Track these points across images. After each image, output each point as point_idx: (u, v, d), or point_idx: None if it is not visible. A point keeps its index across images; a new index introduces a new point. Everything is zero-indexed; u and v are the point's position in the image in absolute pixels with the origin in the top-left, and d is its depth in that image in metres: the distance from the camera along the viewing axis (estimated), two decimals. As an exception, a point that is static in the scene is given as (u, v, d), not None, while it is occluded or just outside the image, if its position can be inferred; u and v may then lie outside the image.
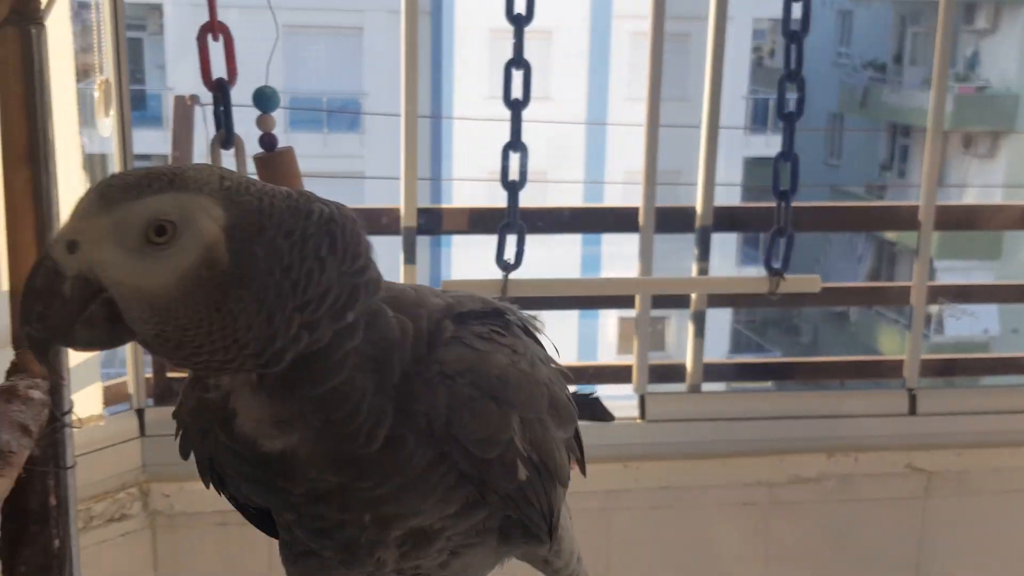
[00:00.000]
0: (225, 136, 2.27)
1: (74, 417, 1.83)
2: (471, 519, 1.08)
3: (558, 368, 1.22)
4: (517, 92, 2.58)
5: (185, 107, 3.12)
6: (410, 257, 2.80)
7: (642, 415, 2.96)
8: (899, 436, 3.09)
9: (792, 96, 2.73)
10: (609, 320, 12.53)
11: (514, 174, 2.68)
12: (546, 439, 1.09)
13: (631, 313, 3.01)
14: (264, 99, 2.29)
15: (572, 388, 1.30)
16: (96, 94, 2.51)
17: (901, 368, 3.13)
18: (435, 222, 2.86)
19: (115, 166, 2.63)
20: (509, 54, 2.57)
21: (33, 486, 1.76)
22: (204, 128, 3.24)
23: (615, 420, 1.34)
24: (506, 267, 2.70)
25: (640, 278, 2.93)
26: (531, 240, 2.78)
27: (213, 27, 2.22)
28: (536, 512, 1.09)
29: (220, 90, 2.26)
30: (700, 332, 3.04)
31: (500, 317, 1.11)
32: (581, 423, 1.29)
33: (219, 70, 2.28)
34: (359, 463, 0.97)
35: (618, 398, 3.13)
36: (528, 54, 2.56)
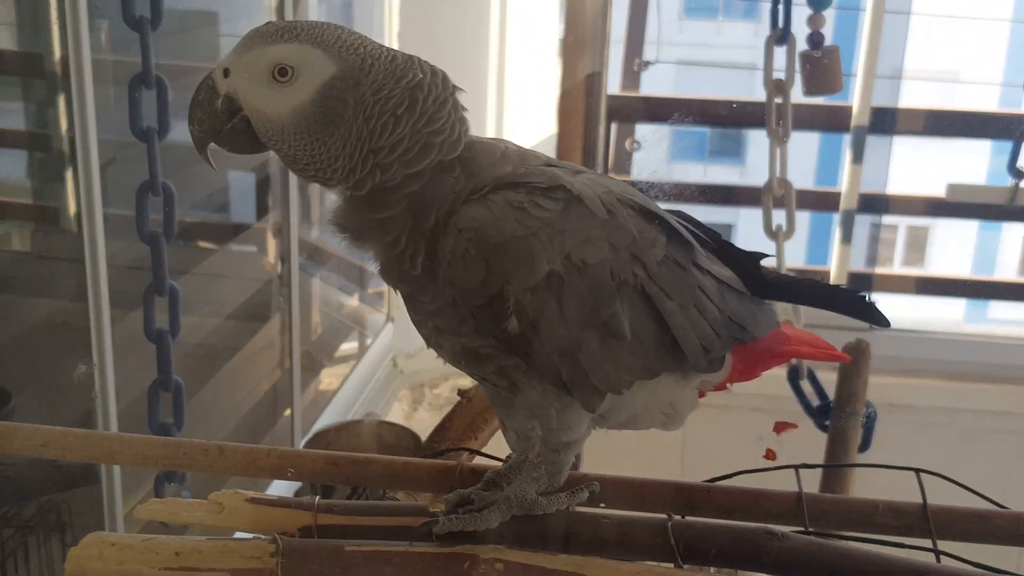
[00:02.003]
0: (781, 34, 2.50)
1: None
2: (511, 358, 1.19)
3: (711, 274, 1.27)
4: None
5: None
6: (857, 156, 2.77)
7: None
8: None
9: None
10: (1010, 236, 11.42)
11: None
12: (548, 310, 1.15)
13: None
14: (818, -1, 2.49)
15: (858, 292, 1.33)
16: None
17: None
18: (889, 122, 2.80)
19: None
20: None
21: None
22: (657, 19, 3.42)
23: (891, 327, 1.37)
24: (1018, 175, 2.68)
25: None
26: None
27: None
28: (550, 371, 1.18)
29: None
30: None
31: (562, 192, 1.18)
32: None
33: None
34: (411, 281, 1.19)
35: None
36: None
